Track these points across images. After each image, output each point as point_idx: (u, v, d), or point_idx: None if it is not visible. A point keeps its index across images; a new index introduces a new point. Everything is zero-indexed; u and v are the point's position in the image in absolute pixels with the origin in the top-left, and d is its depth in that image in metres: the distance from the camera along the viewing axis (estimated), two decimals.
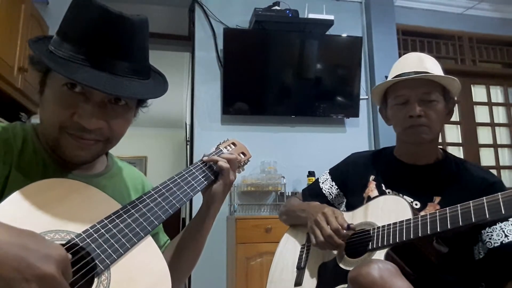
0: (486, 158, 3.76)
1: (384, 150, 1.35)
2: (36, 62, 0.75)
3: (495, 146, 3.80)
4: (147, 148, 6.74)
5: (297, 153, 3.12)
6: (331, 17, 3.10)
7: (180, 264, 0.95)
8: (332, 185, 1.38)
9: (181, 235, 0.98)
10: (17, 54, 2.24)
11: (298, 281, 1.17)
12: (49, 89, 0.74)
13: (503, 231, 1.04)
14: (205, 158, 0.93)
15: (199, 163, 0.93)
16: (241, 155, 1.06)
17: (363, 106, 3.31)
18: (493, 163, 3.74)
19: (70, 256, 0.59)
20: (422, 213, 1.02)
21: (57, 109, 0.72)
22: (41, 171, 0.76)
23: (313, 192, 1.42)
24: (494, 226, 1.06)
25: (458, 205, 0.92)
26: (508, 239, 1.03)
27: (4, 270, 0.47)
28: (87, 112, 0.71)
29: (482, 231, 1.07)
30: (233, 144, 1.07)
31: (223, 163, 0.91)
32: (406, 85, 1.16)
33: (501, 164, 3.79)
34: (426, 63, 1.19)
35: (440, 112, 1.17)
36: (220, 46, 3.07)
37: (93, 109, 0.72)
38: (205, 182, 0.90)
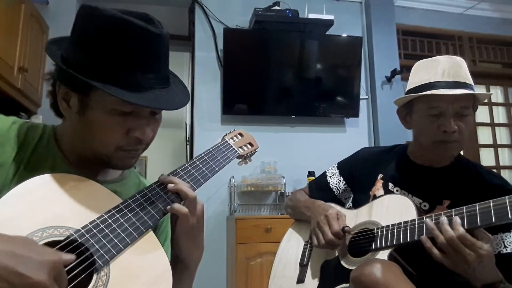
0: (486, 158, 3.76)
1: (396, 148, 1.31)
2: (77, 83, 0.71)
3: (495, 146, 3.80)
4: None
5: (297, 153, 3.11)
6: (331, 17, 3.10)
7: None
8: (340, 180, 1.35)
9: None
10: (17, 54, 2.23)
11: (301, 278, 1.17)
12: (97, 111, 0.72)
13: (503, 242, 1.03)
14: (162, 178, 0.83)
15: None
16: (248, 145, 1.05)
17: (363, 106, 3.31)
18: (493, 163, 3.74)
19: (74, 256, 0.58)
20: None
21: (113, 130, 0.73)
22: (49, 167, 0.75)
23: (320, 186, 1.40)
24: (495, 235, 1.04)
25: (464, 207, 0.91)
26: (506, 250, 1.02)
27: None
28: (142, 127, 0.75)
29: None
30: (240, 134, 1.06)
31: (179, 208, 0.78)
32: (443, 97, 1.07)
33: (501, 164, 3.78)
34: (463, 71, 1.10)
35: (471, 126, 1.11)
36: (220, 46, 3.07)
37: (145, 122, 0.76)
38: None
